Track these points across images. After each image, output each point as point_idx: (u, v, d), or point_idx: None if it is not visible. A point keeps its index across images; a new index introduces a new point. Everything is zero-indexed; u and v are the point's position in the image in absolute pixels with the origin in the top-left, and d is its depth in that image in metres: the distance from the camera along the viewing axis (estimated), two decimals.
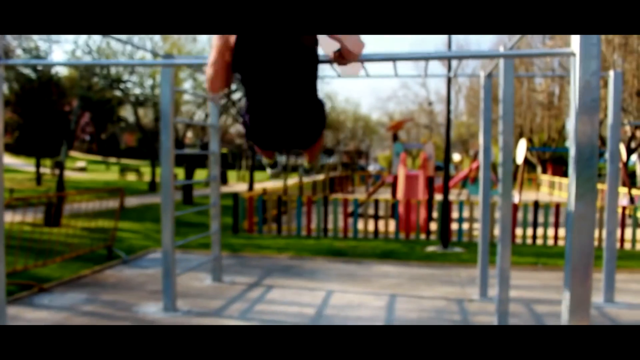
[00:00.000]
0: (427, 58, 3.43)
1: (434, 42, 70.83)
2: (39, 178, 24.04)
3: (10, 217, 7.56)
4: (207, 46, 20.03)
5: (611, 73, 5.87)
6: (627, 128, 20.91)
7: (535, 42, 26.15)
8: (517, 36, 4.15)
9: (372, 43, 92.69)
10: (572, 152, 2.66)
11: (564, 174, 29.32)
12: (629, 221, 13.23)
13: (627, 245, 10.12)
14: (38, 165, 24.96)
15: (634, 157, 22.93)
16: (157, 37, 18.88)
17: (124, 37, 16.01)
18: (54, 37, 13.97)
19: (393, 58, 3.31)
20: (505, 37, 29.47)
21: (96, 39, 15.38)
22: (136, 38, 16.87)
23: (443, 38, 58.06)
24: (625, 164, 16.89)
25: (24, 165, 35.24)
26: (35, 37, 14.06)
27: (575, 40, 2.69)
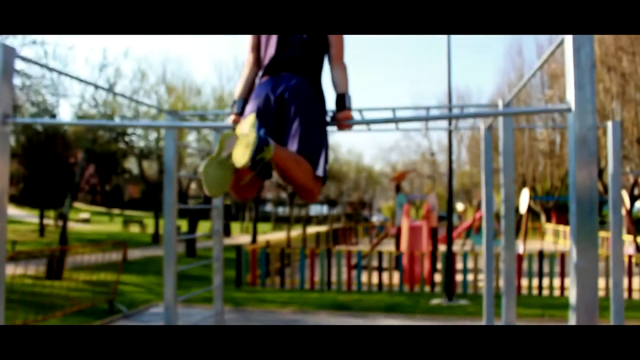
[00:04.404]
0: (426, 119, 3.49)
1: (434, 92, 71.61)
2: (42, 229, 24.06)
3: (12, 269, 7.53)
4: (211, 99, 20.35)
5: (609, 124, 5.92)
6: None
7: (535, 92, 26.57)
8: (516, 89, 4.23)
9: (372, 96, 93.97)
10: (571, 207, 2.66)
11: (568, 222, 29.08)
12: (636, 270, 13.09)
13: (636, 295, 9.97)
14: (42, 217, 25.02)
15: (638, 203, 22.86)
16: (162, 90, 19.23)
17: (128, 92, 16.37)
18: (62, 90, 14.25)
19: (394, 120, 3.34)
20: (504, 85, 30.02)
21: (102, 93, 15.68)
22: (142, 92, 17.21)
23: (443, 88, 58.92)
24: (630, 211, 16.81)
25: (27, 216, 35.26)
26: (43, 90, 14.32)
27: (570, 95, 2.74)
